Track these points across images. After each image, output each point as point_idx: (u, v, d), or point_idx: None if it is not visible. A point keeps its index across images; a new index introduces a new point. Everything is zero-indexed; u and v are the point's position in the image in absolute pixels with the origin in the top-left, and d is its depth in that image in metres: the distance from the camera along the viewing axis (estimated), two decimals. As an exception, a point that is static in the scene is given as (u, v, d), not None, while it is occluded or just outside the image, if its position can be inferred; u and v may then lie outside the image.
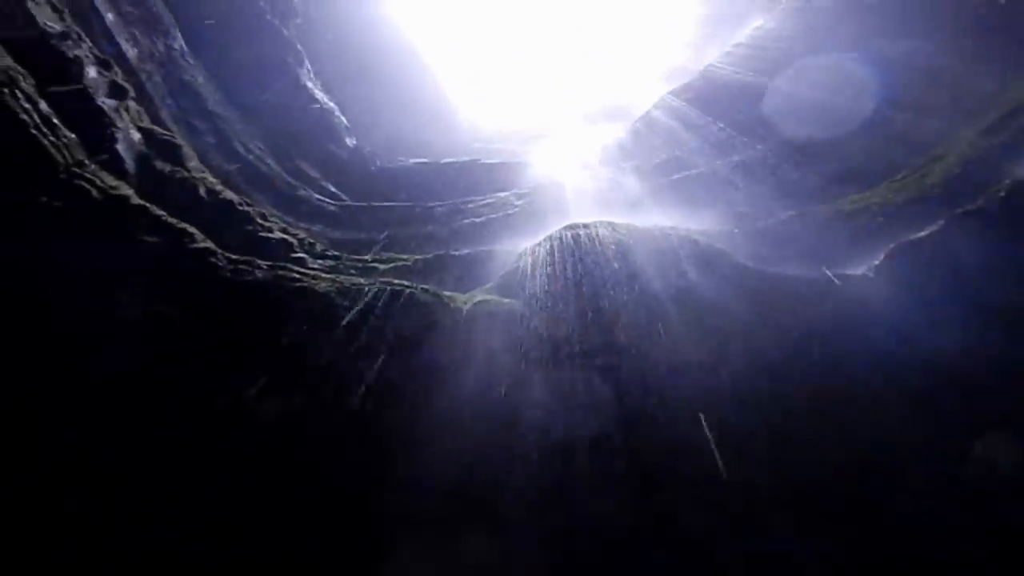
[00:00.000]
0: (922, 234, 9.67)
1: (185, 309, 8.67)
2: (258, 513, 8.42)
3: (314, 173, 16.51)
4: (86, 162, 8.72)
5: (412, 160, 19.50)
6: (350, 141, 18.76)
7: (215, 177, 12.06)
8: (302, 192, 15.51)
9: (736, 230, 12.81)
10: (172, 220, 9.12)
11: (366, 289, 9.82)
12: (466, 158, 19.96)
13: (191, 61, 14.58)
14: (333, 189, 16.51)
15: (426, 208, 16.50)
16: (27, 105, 8.03)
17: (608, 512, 8.59)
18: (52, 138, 8.23)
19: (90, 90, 9.69)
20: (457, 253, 13.39)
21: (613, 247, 11.07)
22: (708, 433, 8.76)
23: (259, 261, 9.52)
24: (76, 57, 9.61)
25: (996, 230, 9.07)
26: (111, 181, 8.86)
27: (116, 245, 8.45)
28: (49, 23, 9.37)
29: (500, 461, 8.81)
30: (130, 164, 9.91)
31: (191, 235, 9.17)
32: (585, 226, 11.79)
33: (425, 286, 10.36)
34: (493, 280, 11.64)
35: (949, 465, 8.05)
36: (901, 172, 12.54)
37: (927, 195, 11.36)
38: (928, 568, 7.77)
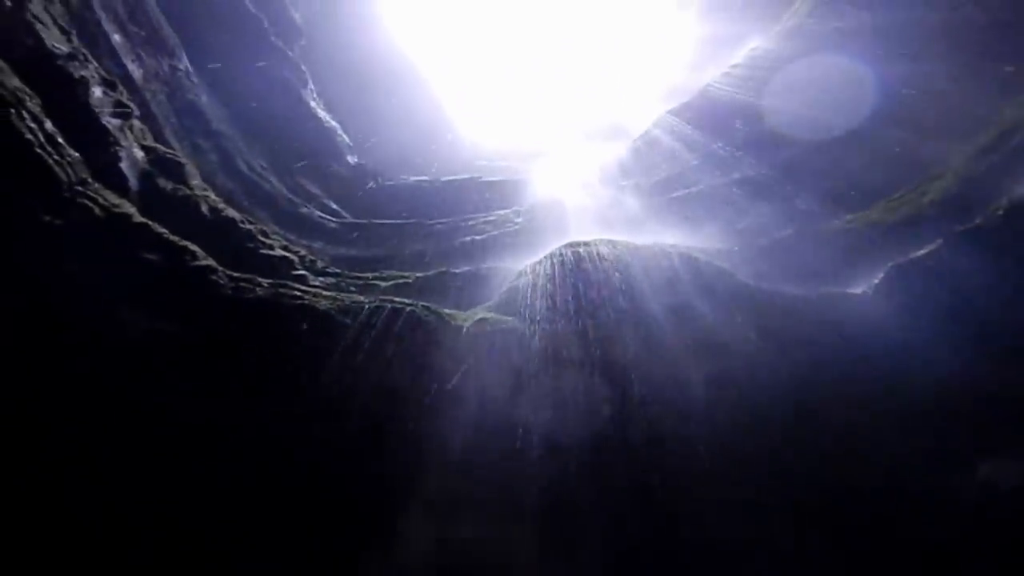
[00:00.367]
0: (921, 252, 9.71)
1: (186, 326, 8.67)
2: (248, 531, 8.38)
3: (316, 190, 16.62)
4: (89, 180, 8.79)
5: (413, 177, 19.61)
6: (352, 159, 18.90)
7: (218, 195, 12.13)
8: (304, 209, 15.59)
9: (736, 248, 12.85)
10: (174, 238, 9.16)
11: (367, 307, 9.83)
12: (466, 175, 20.06)
13: (196, 81, 14.75)
14: (335, 206, 16.60)
15: (427, 225, 16.56)
16: (33, 125, 8.12)
17: (606, 518, 8.60)
18: (56, 157, 8.31)
19: (95, 109, 9.79)
20: (458, 270, 13.42)
21: (613, 265, 11.09)
22: (709, 451, 8.72)
23: (260, 279, 9.55)
24: (82, 77, 9.72)
25: (994, 249, 9.11)
26: (113, 199, 8.92)
27: (118, 262, 8.48)
28: (57, 45, 9.49)
29: (501, 483, 8.77)
30: (133, 182, 9.97)
31: (192, 252, 9.21)
32: (586, 244, 11.82)
33: (426, 304, 10.37)
34: (494, 298, 11.65)
35: (949, 483, 8.00)
36: (899, 191, 12.62)
37: (925, 214, 11.42)
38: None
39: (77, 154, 8.75)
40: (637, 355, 9.63)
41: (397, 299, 10.33)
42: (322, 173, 17.33)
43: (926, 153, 13.24)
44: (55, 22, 9.88)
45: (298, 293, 9.67)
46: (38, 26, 9.36)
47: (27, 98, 8.25)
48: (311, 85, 18.83)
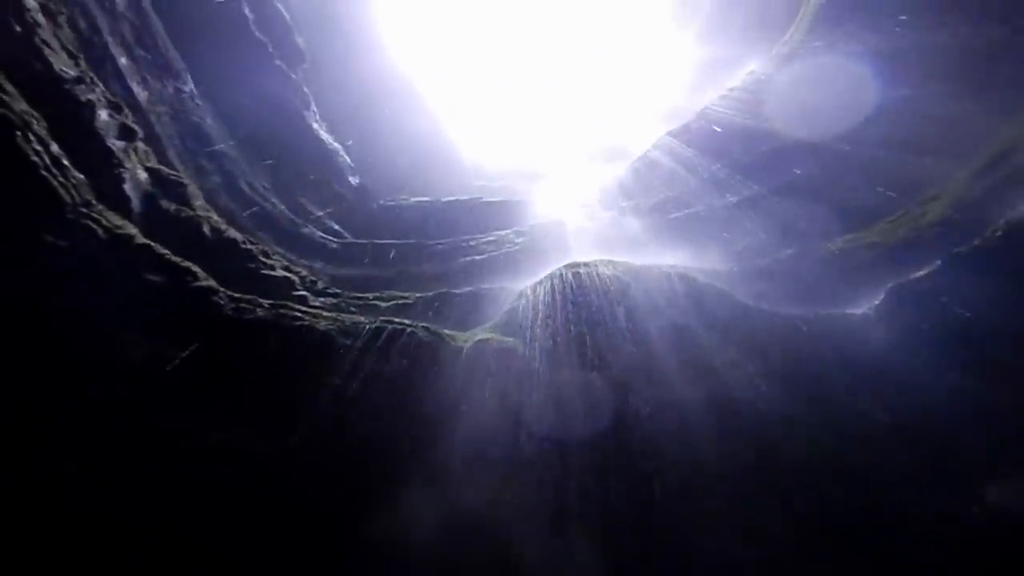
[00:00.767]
0: (920, 273, 9.72)
1: (186, 347, 8.69)
2: (247, 549, 8.32)
3: (317, 211, 16.73)
4: (93, 202, 8.87)
5: (414, 198, 19.74)
6: (353, 180, 19.06)
7: (220, 216, 12.22)
8: (305, 230, 15.68)
9: (735, 269, 12.88)
10: (175, 259, 9.22)
11: (367, 327, 9.84)
12: (467, 196, 20.19)
13: (200, 103, 14.94)
14: (336, 227, 16.70)
15: (428, 246, 16.64)
16: (39, 147, 8.22)
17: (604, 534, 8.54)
18: (61, 179, 8.40)
19: (101, 132, 9.92)
20: (458, 291, 13.44)
21: (613, 285, 11.12)
22: (708, 472, 8.66)
23: (261, 300, 9.58)
24: (89, 101, 9.87)
25: (993, 269, 9.12)
26: (116, 220, 8.99)
27: (120, 283, 8.52)
28: (64, 68, 9.65)
29: (501, 502, 8.70)
30: (136, 203, 10.06)
31: (194, 273, 9.26)
32: (586, 264, 11.87)
33: (426, 324, 10.38)
34: (494, 318, 11.66)
35: (952, 505, 7.92)
36: (898, 212, 12.67)
37: (924, 234, 11.45)
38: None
39: (82, 176, 8.85)
40: (635, 374, 9.61)
41: (397, 320, 10.35)
42: (324, 194, 17.46)
43: (925, 174, 13.32)
44: (63, 47, 10.05)
45: (299, 314, 9.70)
46: (47, 51, 9.52)
47: (34, 121, 8.37)
48: (314, 107, 19.05)
